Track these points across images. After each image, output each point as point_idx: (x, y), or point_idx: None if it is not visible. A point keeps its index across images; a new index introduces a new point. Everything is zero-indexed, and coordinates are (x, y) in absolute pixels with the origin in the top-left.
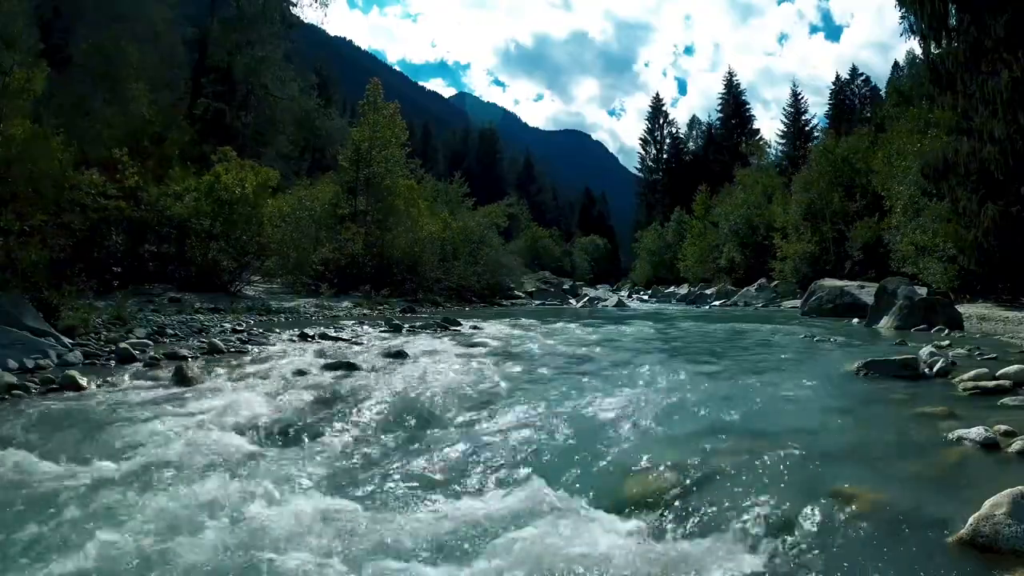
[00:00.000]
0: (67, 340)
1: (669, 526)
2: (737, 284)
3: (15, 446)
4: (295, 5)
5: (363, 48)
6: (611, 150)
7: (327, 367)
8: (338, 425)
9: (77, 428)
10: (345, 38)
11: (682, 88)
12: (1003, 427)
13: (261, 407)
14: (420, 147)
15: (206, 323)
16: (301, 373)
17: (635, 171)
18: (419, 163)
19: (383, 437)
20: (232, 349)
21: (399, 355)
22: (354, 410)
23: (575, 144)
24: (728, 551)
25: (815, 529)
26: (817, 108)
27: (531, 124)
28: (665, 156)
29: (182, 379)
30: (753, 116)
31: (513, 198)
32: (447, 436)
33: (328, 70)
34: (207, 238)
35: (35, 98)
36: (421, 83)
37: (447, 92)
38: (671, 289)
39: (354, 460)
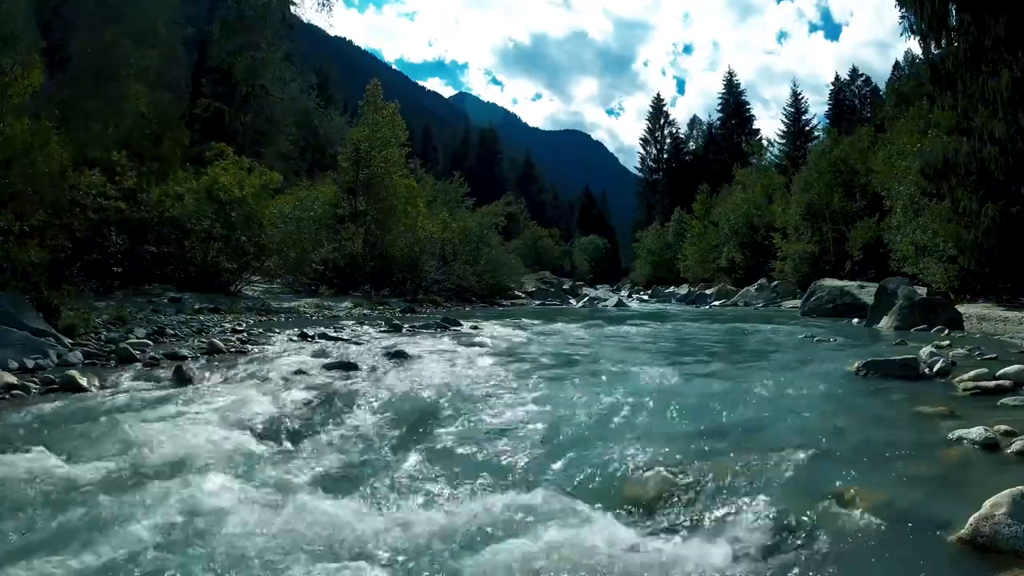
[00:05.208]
0: (67, 340)
1: (669, 527)
2: (737, 284)
3: (15, 446)
4: (296, 5)
5: (361, 47)
6: (610, 150)
7: (327, 367)
8: (338, 425)
9: (77, 428)
10: (345, 38)
11: (681, 88)
12: (1003, 427)
13: (261, 407)
14: (420, 147)
15: (206, 323)
16: (301, 373)
17: (635, 171)
18: (419, 163)
19: (383, 437)
20: (232, 349)
21: (399, 355)
22: (354, 410)
23: (575, 144)
24: (728, 551)
25: (815, 529)
26: (817, 107)
27: (531, 124)
28: (665, 156)
29: (182, 379)
30: (753, 116)
31: (511, 196)
32: (447, 436)
33: (328, 70)
34: (207, 239)
35: (32, 96)
36: (420, 83)
37: (445, 91)
38: (671, 289)
39: (354, 460)
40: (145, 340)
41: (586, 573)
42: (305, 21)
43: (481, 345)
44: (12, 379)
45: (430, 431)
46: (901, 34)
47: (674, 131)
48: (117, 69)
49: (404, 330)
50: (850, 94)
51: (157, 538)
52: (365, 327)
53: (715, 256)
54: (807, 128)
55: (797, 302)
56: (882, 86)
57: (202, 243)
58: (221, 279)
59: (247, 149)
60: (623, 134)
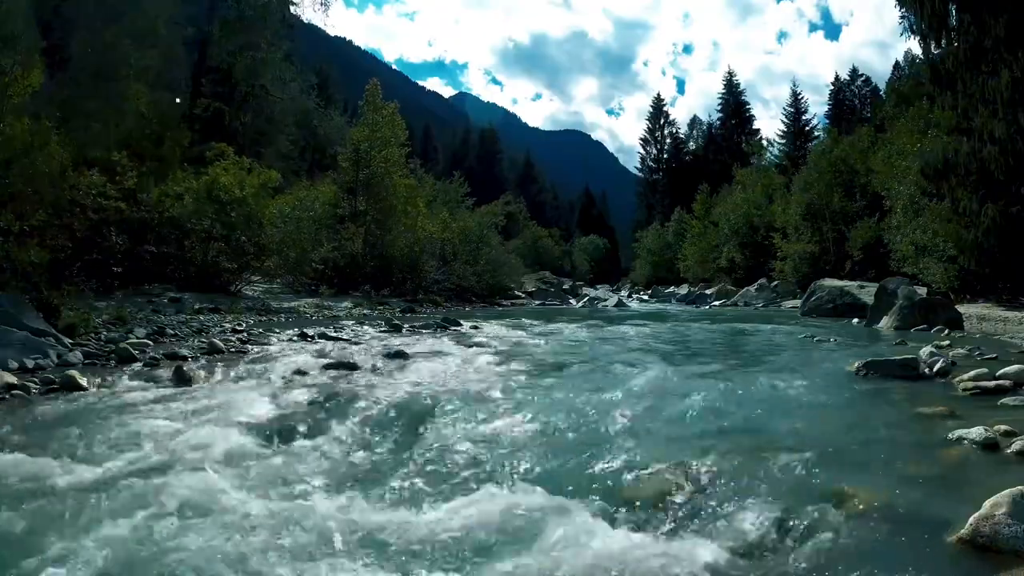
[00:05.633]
0: (67, 340)
1: (668, 527)
2: (737, 284)
3: (15, 446)
4: (295, 5)
5: (361, 47)
6: (610, 150)
7: (327, 367)
8: (338, 425)
9: (77, 428)
10: (345, 38)
11: (681, 88)
12: (1003, 427)
13: (261, 407)
14: (420, 147)
15: (206, 323)
16: (301, 373)
17: (635, 171)
18: (419, 163)
19: (383, 437)
20: (232, 349)
21: (399, 355)
22: (354, 410)
23: (575, 144)
24: (728, 552)
25: (815, 529)
26: (817, 107)
27: (531, 124)
28: (665, 156)
29: (182, 379)
30: (753, 116)
31: (511, 196)
32: (447, 436)
33: (328, 70)
34: (207, 239)
35: (32, 96)
36: (420, 83)
37: (445, 91)
38: (671, 289)
39: (353, 460)
40: (145, 340)
41: (587, 573)
42: (305, 21)
43: (481, 345)
44: (12, 379)
45: (430, 432)
46: (901, 34)
47: (674, 131)
48: (117, 69)
49: (404, 330)
50: (850, 94)
51: (157, 538)
52: (365, 327)
53: (715, 256)
54: (807, 128)
55: (797, 302)
56: (882, 86)
57: (202, 243)
58: (221, 279)
59: (247, 149)
60: (623, 134)
